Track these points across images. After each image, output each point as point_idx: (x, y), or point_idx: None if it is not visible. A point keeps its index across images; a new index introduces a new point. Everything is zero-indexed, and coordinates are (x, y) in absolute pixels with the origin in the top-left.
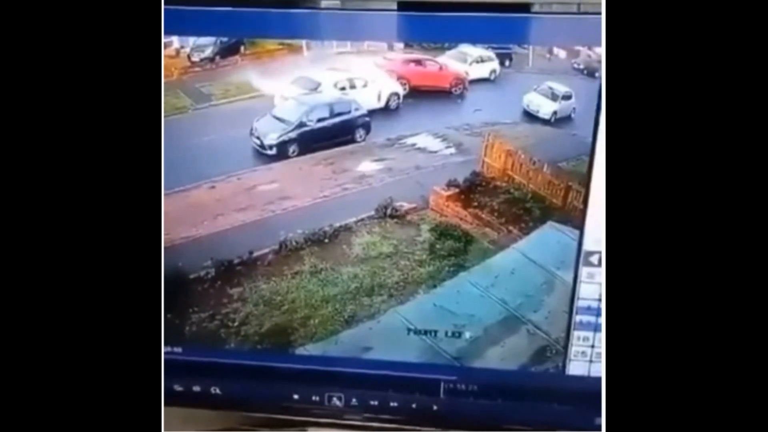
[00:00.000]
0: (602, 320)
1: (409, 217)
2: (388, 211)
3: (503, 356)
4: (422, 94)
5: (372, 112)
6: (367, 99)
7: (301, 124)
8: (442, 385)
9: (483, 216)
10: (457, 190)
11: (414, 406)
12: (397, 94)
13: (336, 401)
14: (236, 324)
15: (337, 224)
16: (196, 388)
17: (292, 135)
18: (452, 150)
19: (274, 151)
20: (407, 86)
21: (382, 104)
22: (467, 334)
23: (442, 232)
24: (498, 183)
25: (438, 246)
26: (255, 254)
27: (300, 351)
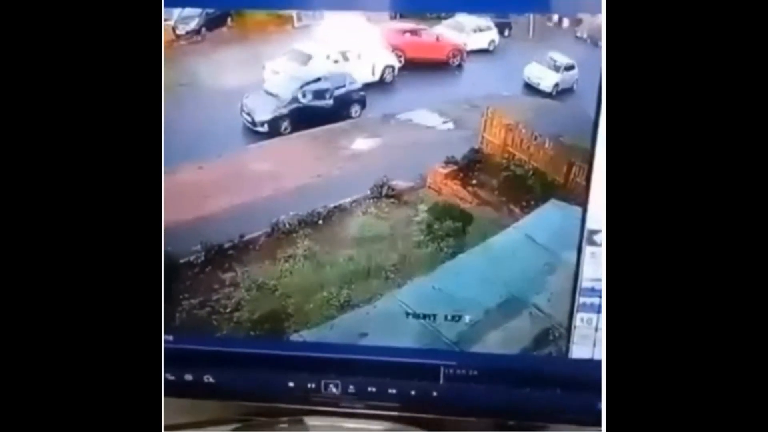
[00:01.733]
0: (602, 305)
1: (405, 197)
2: (384, 191)
3: (504, 340)
4: (418, 67)
5: (367, 86)
6: (361, 72)
7: (294, 100)
8: (441, 370)
9: (482, 194)
10: (455, 167)
11: (413, 392)
12: (392, 67)
13: (332, 389)
14: (228, 310)
15: (332, 205)
16: (188, 377)
17: (284, 111)
18: (450, 125)
19: (265, 128)
20: (402, 58)
21: (376, 77)
22: (467, 318)
23: (440, 211)
24: (498, 159)
25: (436, 226)
26: (246, 237)
27: (294, 337)
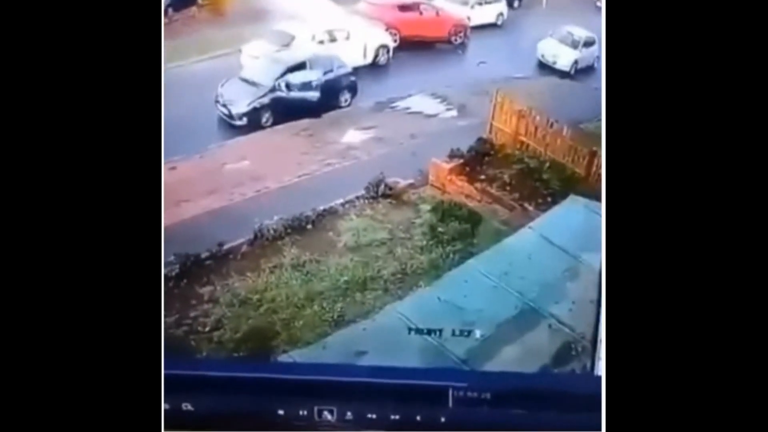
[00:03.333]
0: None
1: (405, 196)
2: (381, 190)
3: (521, 357)
4: (416, 47)
5: (357, 70)
6: (351, 54)
7: (275, 88)
8: (450, 392)
9: (492, 191)
10: (460, 161)
11: (418, 418)
12: (386, 47)
13: (327, 416)
14: (207, 329)
15: (321, 207)
16: (165, 406)
17: (265, 101)
18: (453, 113)
19: (244, 121)
20: (398, 37)
21: (368, 60)
22: (478, 333)
23: (445, 212)
24: (509, 151)
25: (440, 229)
26: (226, 246)
27: (283, 358)
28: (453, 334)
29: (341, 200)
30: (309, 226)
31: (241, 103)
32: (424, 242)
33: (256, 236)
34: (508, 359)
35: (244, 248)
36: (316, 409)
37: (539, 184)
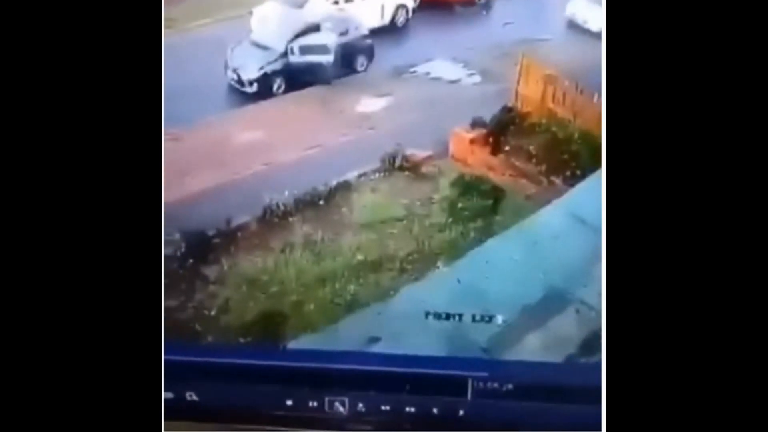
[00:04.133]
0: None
1: (423, 169)
2: (397, 162)
3: (546, 345)
4: (437, 6)
5: (374, 33)
6: (368, 15)
7: (287, 52)
8: (469, 383)
9: (517, 163)
10: (483, 130)
11: (435, 410)
12: (404, 7)
13: (338, 407)
14: (214, 312)
15: (334, 182)
16: (168, 395)
17: (276, 66)
18: (476, 78)
19: (254, 88)
20: None
21: (386, 21)
22: (500, 318)
23: (466, 186)
24: (535, 119)
25: (461, 205)
26: (234, 224)
27: (293, 345)
28: (473, 319)
29: (356, 173)
30: (321, 202)
31: (251, 68)
32: (444, 219)
33: (265, 213)
34: (532, 347)
35: (253, 226)
36: (326, 399)
37: (567, 156)
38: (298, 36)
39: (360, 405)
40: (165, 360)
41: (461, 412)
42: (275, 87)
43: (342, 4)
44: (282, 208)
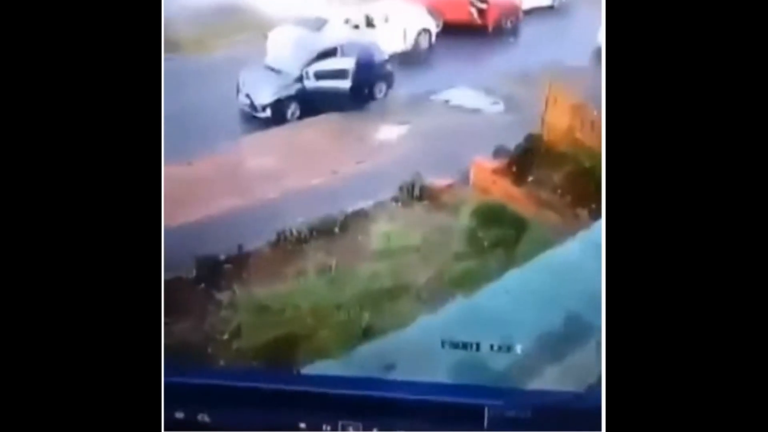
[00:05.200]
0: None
1: (443, 198)
2: (416, 191)
3: (566, 374)
4: (461, 32)
5: (395, 58)
6: (389, 39)
7: (302, 77)
8: (486, 411)
9: (541, 194)
10: (506, 160)
11: None
12: (427, 32)
13: (352, 431)
14: (226, 337)
15: (350, 209)
16: (179, 415)
17: (291, 91)
18: (500, 107)
19: (267, 113)
20: (441, 21)
21: (408, 46)
22: (519, 348)
23: (487, 216)
24: (562, 149)
25: (481, 235)
26: (246, 249)
27: (306, 370)
28: (491, 348)
29: (372, 202)
30: (336, 230)
31: (264, 93)
32: (463, 249)
33: (279, 239)
34: (552, 377)
35: (266, 252)
36: (340, 424)
37: (594, 188)
38: (313, 60)
39: (374, 430)
40: (176, 382)
41: None
42: (289, 113)
43: (363, 28)
44: (296, 234)
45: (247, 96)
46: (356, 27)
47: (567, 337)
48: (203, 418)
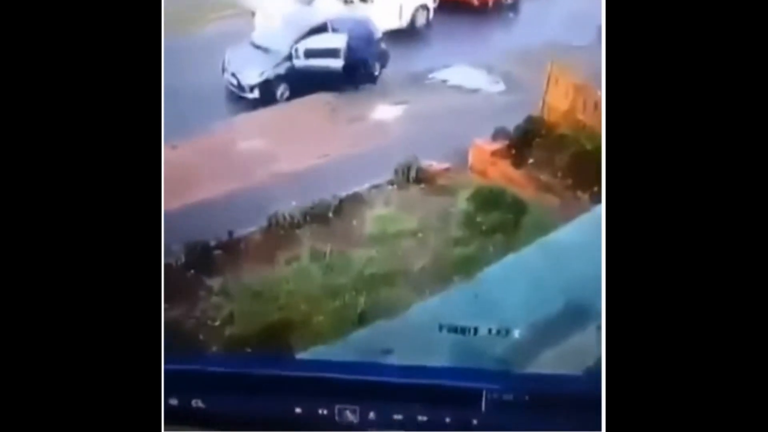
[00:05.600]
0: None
1: (440, 181)
2: (412, 174)
3: (563, 358)
4: (459, 8)
5: (390, 35)
6: (384, 16)
7: (291, 55)
8: (483, 395)
9: (541, 177)
10: (506, 142)
11: (448, 420)
12: (425, 8)
13: (349, 416)
14: (218, 323)
15: (344, 193)
16: (173, 402)
17: (280, 70)
18: (500, 86)
19: (255, 94)
20: None
21: (404, 23)
22: (517, 332)
23: (486, 200)
24: (563, 131)
25: (479, 219)
26: (237, 234)
27: (301, 355)
28: (489, 332)
29: (367, 185)
30: (330, 214)
31: (251, 73)
32: (461, 233)
33: (270, 224)
34: (549, 360)
35: (257, 237)
36: (337, 408)
37: (595, 170)
38: (303, 37)
39: (371, 414)
40: (169, 369)
41: (474, 422)
42: (279, 93)
43: (356, 3)
44: (288, 219)
45: (234, 75)
46: (350, 1)
47: (566, 321)
48: (197, 404)
